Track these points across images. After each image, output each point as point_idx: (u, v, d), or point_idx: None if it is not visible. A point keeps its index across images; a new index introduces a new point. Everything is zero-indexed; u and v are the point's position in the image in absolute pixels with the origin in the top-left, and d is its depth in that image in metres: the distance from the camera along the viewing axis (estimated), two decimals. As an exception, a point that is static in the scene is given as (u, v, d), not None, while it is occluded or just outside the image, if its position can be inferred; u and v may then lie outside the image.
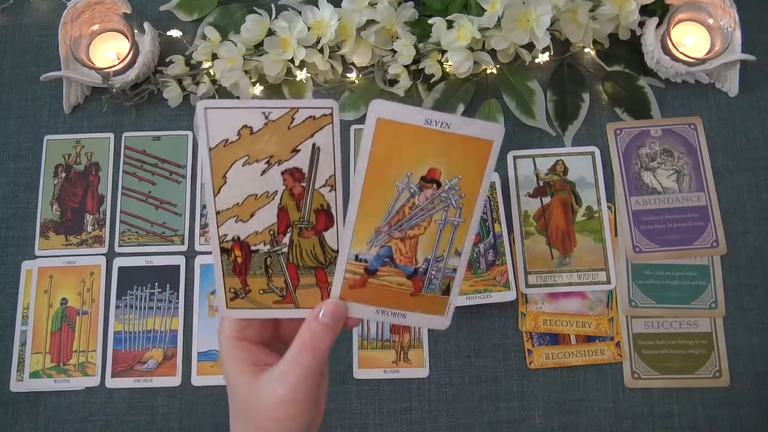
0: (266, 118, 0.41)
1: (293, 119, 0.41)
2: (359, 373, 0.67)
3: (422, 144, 0.40)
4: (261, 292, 0.43)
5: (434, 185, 0.41)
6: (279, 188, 0.42)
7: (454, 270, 0.43)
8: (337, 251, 0.43)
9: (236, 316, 0.43)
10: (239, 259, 0.43)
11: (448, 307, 0.44)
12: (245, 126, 0.41)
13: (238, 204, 0.42)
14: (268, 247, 0.43)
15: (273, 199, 0.42)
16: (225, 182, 0.42)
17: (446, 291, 0.43)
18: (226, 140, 0.41)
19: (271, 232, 0.43)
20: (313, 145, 0.41)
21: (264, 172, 0.42)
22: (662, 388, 0.66)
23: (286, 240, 0.43)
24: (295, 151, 0.41)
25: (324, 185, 0.42)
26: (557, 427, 0.66)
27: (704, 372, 0.66)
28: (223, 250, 0.43)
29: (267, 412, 0.41)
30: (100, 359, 0.68)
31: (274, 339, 0.46)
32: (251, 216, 0.42)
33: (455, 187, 0.41)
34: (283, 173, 0.42)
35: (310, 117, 0.41)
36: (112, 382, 0.67)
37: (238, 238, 0.43)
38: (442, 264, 0.43)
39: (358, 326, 0.44)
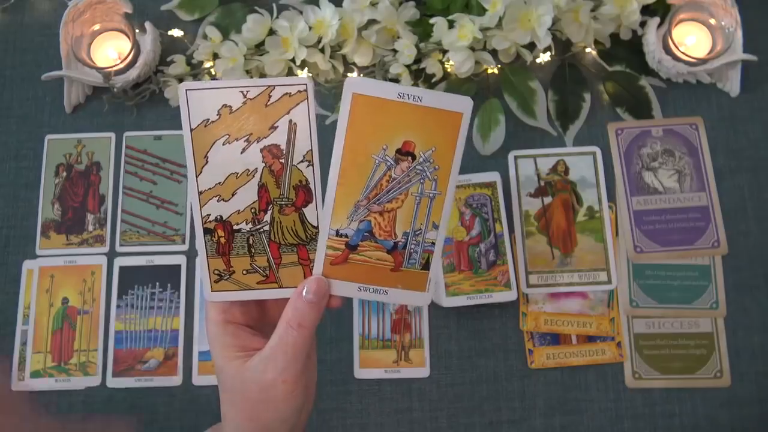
0: (244, 96, 0.42)
1: (270, 97, 0.42)
2: (360, 373, 0.67)
3: (396, 117, 0.42)
4: (244, 272, 0.44)
5: (409, 158, 0.43)
6: (259, 165, 0.43)
7: (433, 244, 0.44)
8: (318, 228, 0.44)
9: (221, 299, 0.44)
10: (222, 240, 0.44)
11: (428, 283, 0.44)
12: (225, 105, 0.42)
13: (219, 183, 0.43)
14: (250, 225, 0.44)
15: (253, 176, 0.43)
16: (206, 162, 0.43)
17: (426, 266, 0.44)
18: (207, 120, 0.42)
19: (253, 210, 0.43)
20: (290, 121, 0.42)
21: (244, 150, 0.43)
22: (663, 388, 0.66)
23: (267, 218, 0.44)
24: (273, 128, 0.43)
25: (302, 161, 0.43)
26: (558, 427, 0.66)
27: (705, 372, 0.66)
28: (207, 231, 0.43)
29: (258, 395, 0.41)
30: (101, 359, 0.68)
31: (262, 322, 0.46)
32: (233, 195, 0.43)
33: (429, 159, 0.43)
34: (262, 150, 0.43)
35: (286, 94, 0.42)
36: (113, 382, 0.67)
37: (221, 217, 0.43)
38: (420, 238, 0.44)
39: (341, 307, 0.45)
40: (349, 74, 0.72)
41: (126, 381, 0.67)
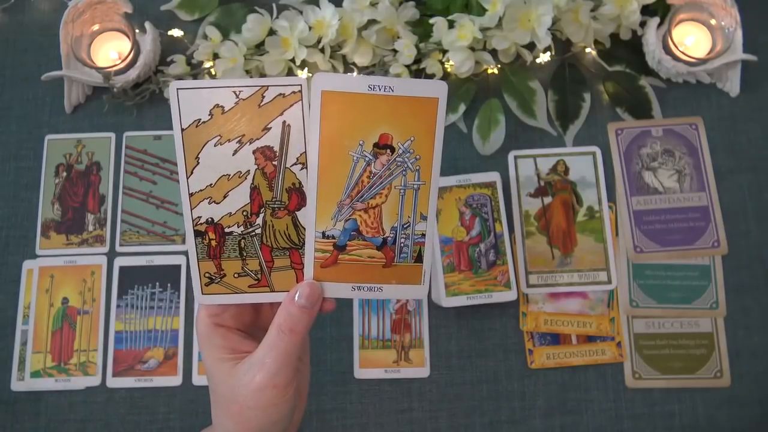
0: (237, 97, 0.41)
1: (263, 97, 0.41)
2: (360, 373, 0.67)
3: (369, 110, 0.41)
4: (236, 275, 0.43)
5: (388, 151, 0.42)
6: (251, 168, 0.42)
7: (423, 235, 0.43)
8: None
9: (212, 302, 0.43)
10: (213, 242, 0.43)
11: (423, 275, 0.43)
12: (217, 105, 0.41)
13: (211, 185, 0.42)
14: (241, 228, 0.43)
15: (245, 179, 0.42)
16: (198, 163, 0.42)
17: (419, 258, 0.43)
18: (198, 120, 0.42)
19: (245, 213, 0.43)
20: (284, 122, 0.42)
21: (236, 151, 0.42)
22: (663, 388, 0.66)
23: (259, 221, 0.43)
24: (266, 129, 0.42)
25: (295, 163, 0.42)
26: (558, 427, 0.66)
27: (705, 372, 0.66)
28: (197, 233, 0.43)
29: (248, 400, 0.41)
30: (100, 359, 0.68)
31: (254, 326, 0.46)
32: (224, 197, 0.42)
33: (409, 149, 0.42)
34: (254, 152, 0.42)
35: (280, 95, 0.41)
36: (112, 382, 0.67)
37: (212, 220, 0.43)
38: (409, 230, 0.43)
39: (333, 311, 0.44)
40: (349, 74, 0.72)
41: (126, 381, 0.67)
